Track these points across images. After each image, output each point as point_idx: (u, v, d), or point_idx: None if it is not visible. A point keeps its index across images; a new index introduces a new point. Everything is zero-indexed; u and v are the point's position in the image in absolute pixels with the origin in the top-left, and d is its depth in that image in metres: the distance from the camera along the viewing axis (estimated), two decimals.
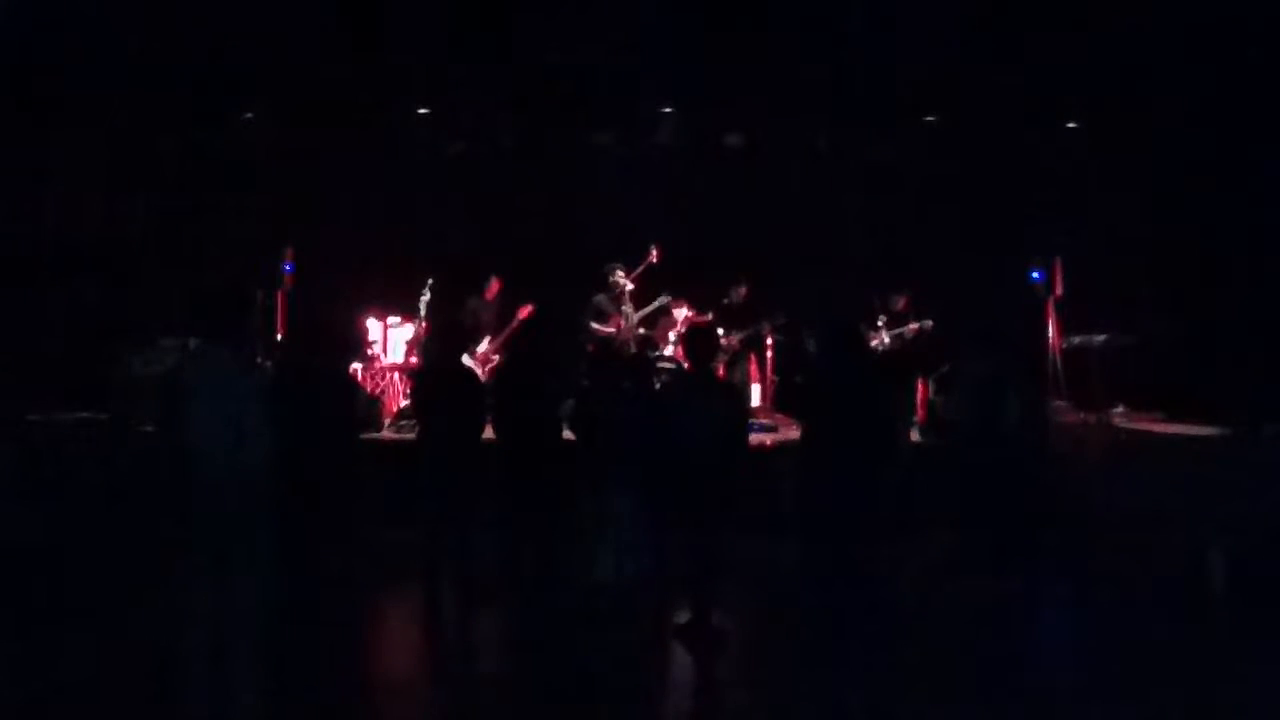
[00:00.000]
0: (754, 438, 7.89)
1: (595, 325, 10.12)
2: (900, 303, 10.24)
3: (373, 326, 10.25)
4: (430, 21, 9.65)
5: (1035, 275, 10.03)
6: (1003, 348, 7.41)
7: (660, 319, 10.40)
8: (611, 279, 10.18)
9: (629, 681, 5.14)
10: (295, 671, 4.78)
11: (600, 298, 10.22)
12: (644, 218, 11.04)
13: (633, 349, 9.80)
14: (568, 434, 6.47)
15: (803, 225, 11.59)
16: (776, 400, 10.38)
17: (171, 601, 4.28)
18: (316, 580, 5.66)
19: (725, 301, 10.41)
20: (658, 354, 9.99)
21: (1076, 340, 9.90)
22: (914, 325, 10.04)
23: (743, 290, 10.41)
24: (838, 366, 5.72)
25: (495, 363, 9.71)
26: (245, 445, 4.18)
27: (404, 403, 9.59)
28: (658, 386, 7.33)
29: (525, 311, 9.44)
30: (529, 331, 6.52)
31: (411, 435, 7.59)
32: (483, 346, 9.89)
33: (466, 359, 9.24)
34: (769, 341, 10.51)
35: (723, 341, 9.65)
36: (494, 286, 10.40)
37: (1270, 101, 9.29)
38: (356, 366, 9.78)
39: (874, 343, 9.90)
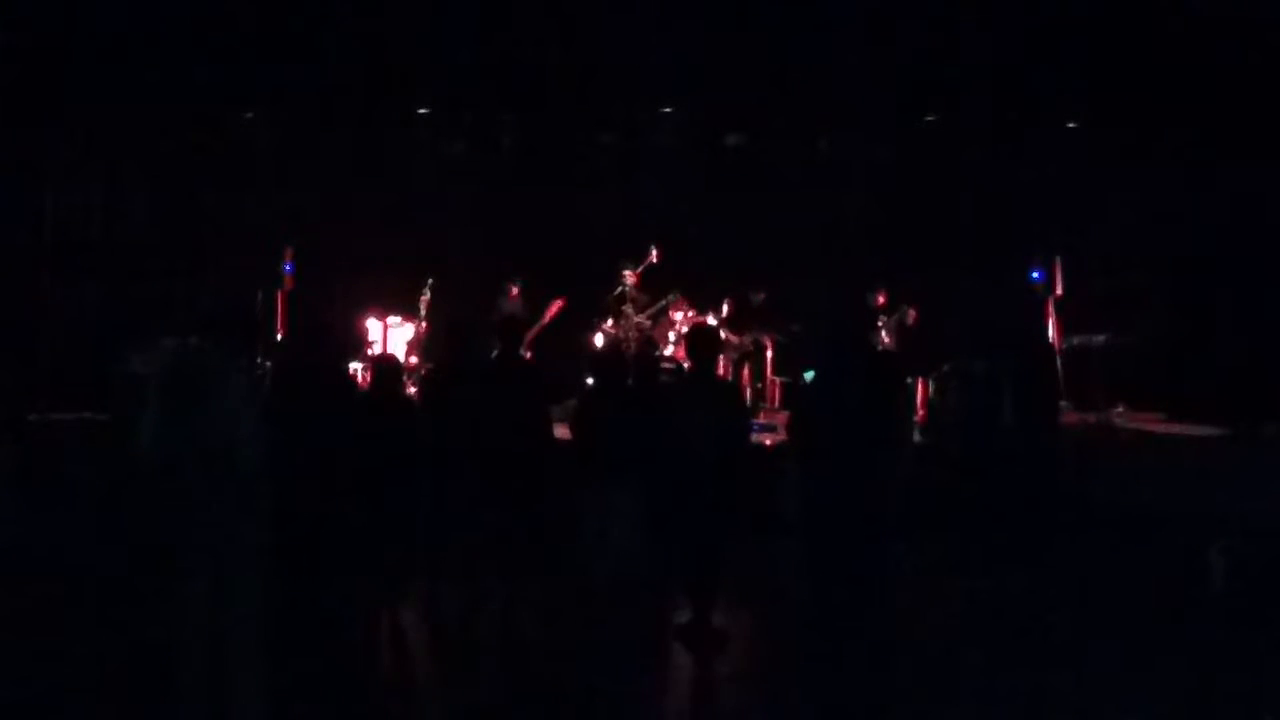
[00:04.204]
0: (754, 437, 7.88)
1: (603, 325, 10.13)
2: (879, 299, 10.22)
3: (373, 326, 10.24)
4: (430, 21, 9.66)
5: (1035, 275, 10.03)
6: (1000, 347, 7.42)
7: (661, 319, 10.41)
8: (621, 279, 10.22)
9: (629, 681, 5.14)
10: (293, 672, 4.77)
11: (612, 296, 10.24)
12: (644, 218, 11.05)
13: (633, 348, 9.80)
14: (567, 433, 6.45)
15: (802, 225, 11.59)
16: (784, 400, 10.39)
17: (169, 602, 4.27)
18: (315, 580, 5.66)
19: (724, 307, 10.36)
20: (658, 354, 9.99)
21: (1076, 340, 9.90)
22: (911, 313, 10.00)
23: (761, 295, 10.38)
24: (838, 367, 5.71)
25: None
26: (241, 445, 4.18)
27: None
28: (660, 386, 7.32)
29: (556, 307, 9.80)
30: (515, 331, 6.47)
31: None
32: None
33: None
34: (768, 341, 10.51)
35: (733, 341, 9.77)
36: (514, 291, 10.37)
37: (1269, 101, 9.30)
38: (356, 366, 9.78)
39: (875, 343, 9.88)
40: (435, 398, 6.41)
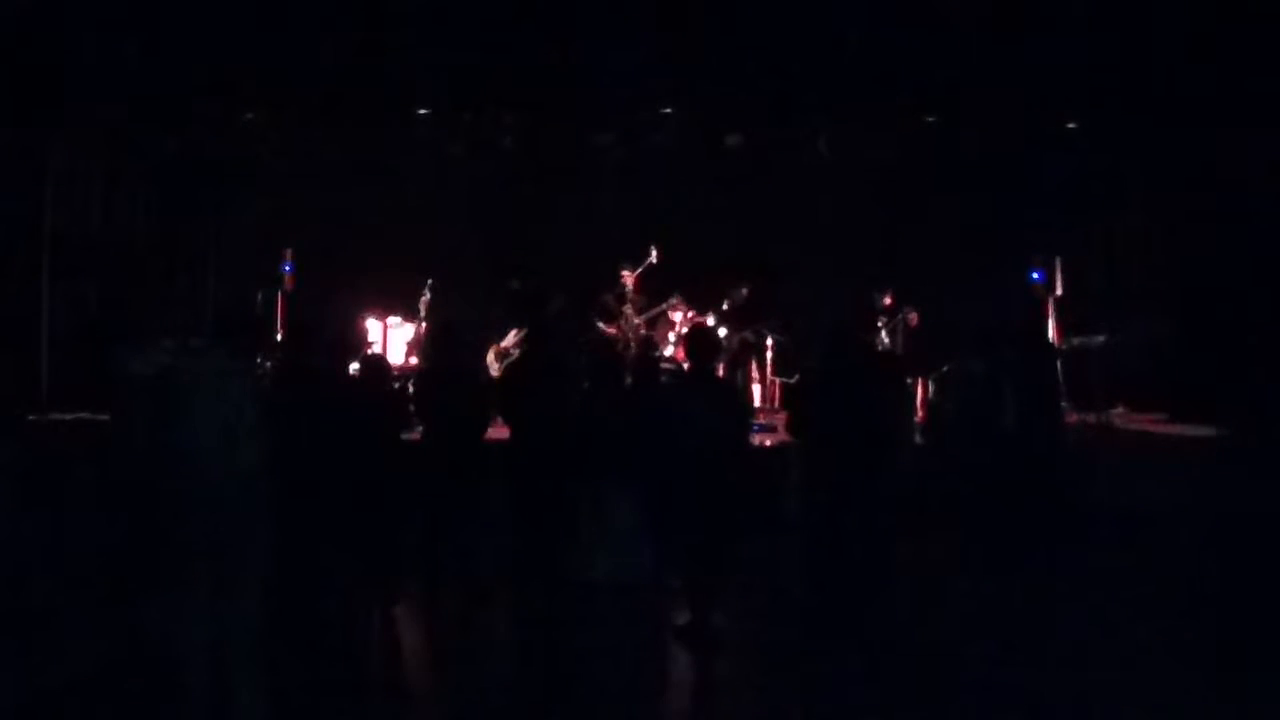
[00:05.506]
0: (754, 437, 7.88)
1: (600, 325, 10.13)
2: (887, 299, 10.20)
3: (373, 326, 10.24)
4: (431, 21, 9.65)
5: (1035, 275, 10.03)
6: (999, 346, 7.40)
7: (660, 320, 10.40)
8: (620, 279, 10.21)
9: (629, 681, 5.14)
10: (294, 672, 4.78)
11: (607, 297, 10.23)
12: (644, 218, 11.05)
13: (633, 349, 9.80)
14: None
15: (803, 225, 11.58)
16: (784, 400, 10.38)
17: (169, 602, 4.27)
18: (315, 580, 5.66)
19: (724, 306, 10.37)
20: (658, 354, 10.00)
21: (1076, 340, 9.89)
22: (913, 315, 9.98)
23: (744, 291, 10.39)
24: (838, 367, 5.72)
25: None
26: (241, 445, 4.18)
27: None
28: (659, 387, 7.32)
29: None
30: (539, 331, 6.51)
31: (413, 435, 7.57)
32: (508, 340, 9.81)
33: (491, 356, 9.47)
34: (769, 342, 10.51)
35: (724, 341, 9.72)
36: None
37: (1269, 101, 9.29)
38: (356, 367, 9.77)
39: (876, 343, 9.88)
40: (430, 397, 6.44)
